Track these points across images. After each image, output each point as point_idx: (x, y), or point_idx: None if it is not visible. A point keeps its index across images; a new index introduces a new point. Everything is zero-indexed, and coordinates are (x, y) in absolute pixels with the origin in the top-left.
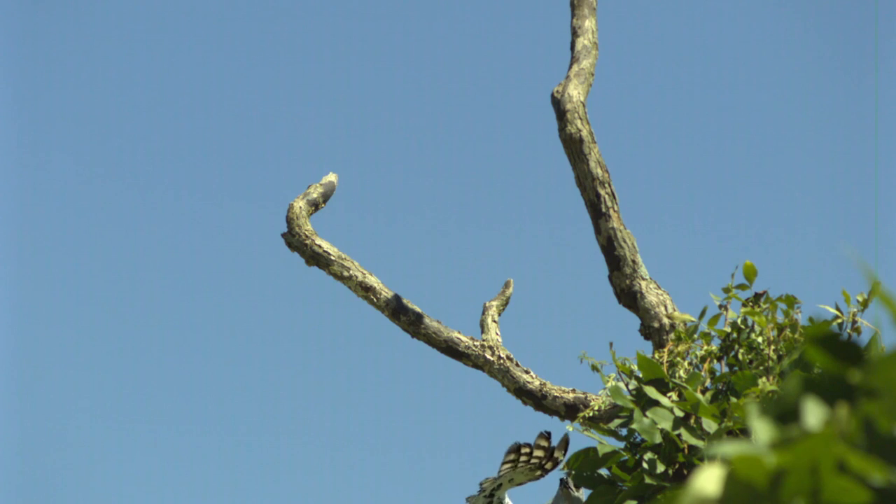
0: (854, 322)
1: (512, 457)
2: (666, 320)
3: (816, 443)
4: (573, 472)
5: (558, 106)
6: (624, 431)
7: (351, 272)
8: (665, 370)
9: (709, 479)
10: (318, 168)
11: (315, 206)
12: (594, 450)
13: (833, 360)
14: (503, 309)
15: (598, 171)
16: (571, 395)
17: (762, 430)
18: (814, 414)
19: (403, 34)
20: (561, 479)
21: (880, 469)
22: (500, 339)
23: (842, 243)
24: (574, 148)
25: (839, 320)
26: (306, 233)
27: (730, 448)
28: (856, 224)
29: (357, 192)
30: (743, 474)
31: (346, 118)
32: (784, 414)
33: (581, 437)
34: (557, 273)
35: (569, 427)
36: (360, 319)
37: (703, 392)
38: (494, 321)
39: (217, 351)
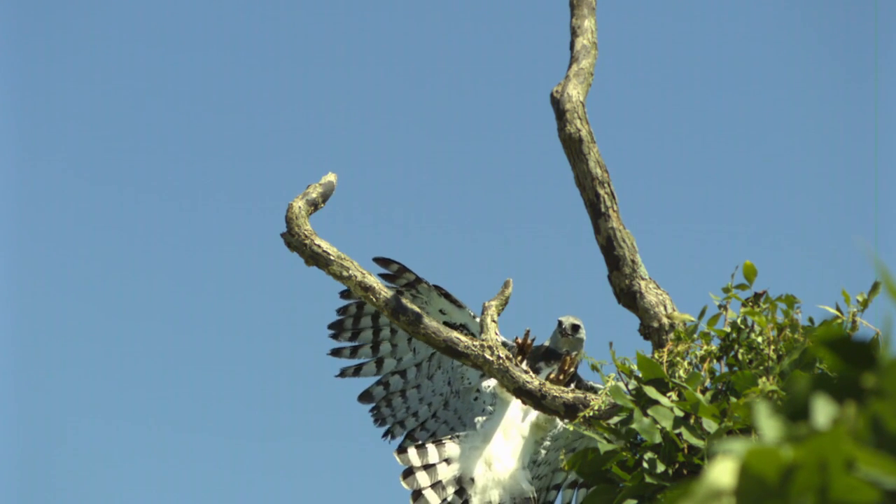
0: (854, 322)
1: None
2: (665, 320)
3: (826, 441)
4: (574, 353)
5: (557, 106)
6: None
7: (350, 272)
8: (665, 370)
9: (723, 471)
10: (318, 168)
11: (314, 205)
12: (594, 450)
13: (843, 362)
14: (502, 309)
15: (598, 171)
16: (571, 395)
17: (770, 427)
18: (823, 412)
19: (403, 34)
20: (559, 320)
21: (891, 468)
22: (499, 339)
23: (853, 236)
24: (573, 148)
25: (839, 320)
26: (306, 233)
27: (743, 443)
28: (856, 224)
29: (357, 191)
30: (756, 468)
31: (346, 118)
32: (793, 413)
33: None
34: (557, 273)
35: (569, 426)
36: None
37: (703, 392)
38: (494, 321)
39: (217, 351)
